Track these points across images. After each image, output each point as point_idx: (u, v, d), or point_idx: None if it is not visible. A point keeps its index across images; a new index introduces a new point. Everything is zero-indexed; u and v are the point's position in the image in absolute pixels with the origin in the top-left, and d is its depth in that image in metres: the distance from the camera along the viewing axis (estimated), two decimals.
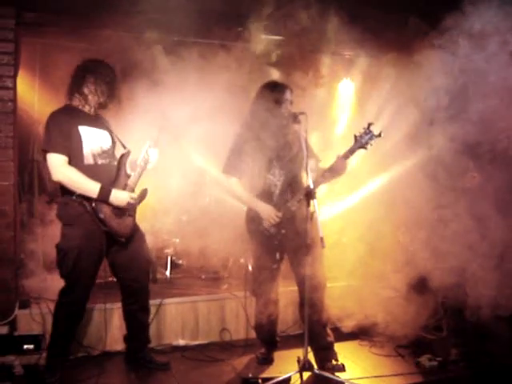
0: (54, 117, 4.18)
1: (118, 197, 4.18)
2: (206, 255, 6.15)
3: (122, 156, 4.35)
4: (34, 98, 6.19)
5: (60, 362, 4.29)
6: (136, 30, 5.10)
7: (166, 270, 6.30)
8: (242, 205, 4.75)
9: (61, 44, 5.67)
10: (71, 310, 4.27)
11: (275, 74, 5.80)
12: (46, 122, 4.17)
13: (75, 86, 4.26)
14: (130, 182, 4.30)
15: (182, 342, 5.15)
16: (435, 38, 4.69)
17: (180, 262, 6.39)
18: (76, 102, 4.28)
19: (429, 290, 4.93)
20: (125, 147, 4.43)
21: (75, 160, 4.14)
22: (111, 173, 4.28)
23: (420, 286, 4.97)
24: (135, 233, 4.43)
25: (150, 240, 6.02)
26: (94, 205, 4.12)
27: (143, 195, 4.40)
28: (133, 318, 4.57)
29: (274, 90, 4.48)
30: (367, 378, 4.48)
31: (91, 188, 4.10)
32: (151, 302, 4.89)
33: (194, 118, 4.71)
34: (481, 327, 4.60)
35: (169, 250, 6.37)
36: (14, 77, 4.90)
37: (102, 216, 4.15)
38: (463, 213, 4.64)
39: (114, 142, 4.40)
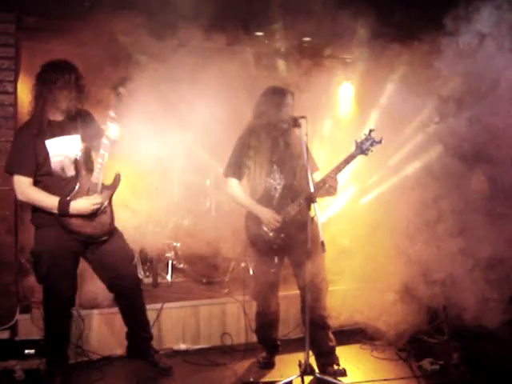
0: (19, 135, 4.15)
1: (79, 207, 4.06)
2: (207, 259, 6.15)
3: (77, 159, 4.17)
4: None
5: (59, 367, 4.29)
6: (136, 34, 5.10)
7: (167, 274, 6.29)
8: (242, 208, 4.74)
9: (61, 49, 5.66)
10: (56, 315, 4.26)
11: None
12: (14, 138, 4.16)
13: (39, 94, 4.10)
14: (93, 177, 4.12)
15: (183, 347, 5.14)
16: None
17: (181, 266, 6.37)
18: (44, 111, 4.11)
19: (429, 294, 4.93)
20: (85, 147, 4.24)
21: (45, 175, 4.09)
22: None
23: (419, 290, 4.97)
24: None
25: (150, 244, 6.10)
26: (61, 221, 4.06)
27: (116, 183, 4.25)
28: (130, 318, 4.53)
29: (275, 95, 4.49)
30: (369, 381, 4.48)
31: (50, 205, 4.03)
32: (152, 306, 4.91)
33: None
34: (482, 331, 4.60)
35: (169, 254, 6.35)
36: (15, 82, 4.92)
37: (72, 228, 4.09)
38: (465, 217, 4.65)
39: (85, 147, 4.22)
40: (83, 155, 4.20)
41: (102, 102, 4.39)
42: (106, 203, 4.20)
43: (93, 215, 4.13)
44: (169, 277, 6.23)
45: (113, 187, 4.26)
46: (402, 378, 4.54)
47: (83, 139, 4.23)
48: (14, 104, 4.90)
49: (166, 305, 5.19)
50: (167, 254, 6.36)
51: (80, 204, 4.07)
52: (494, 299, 4.71)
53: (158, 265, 6.24)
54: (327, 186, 4.37)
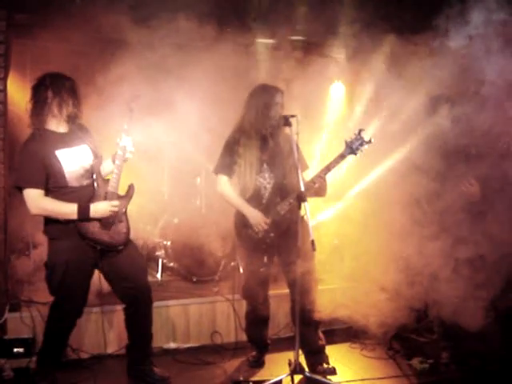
0: (27, 148, 4.07)
1: (98, 209, 4.06)
2: (197, 258, 6.15)
3: (93, 166, 4.19)
4: (25, 101, 6.14)
5: (51, 366, 4.28)
6: (127, 32, 5.09)
7: (157, 272, 6.28)
8: (232, 207, 4.74)
9: (52, 46, 5.65)
10: (62, 325, 4.26)
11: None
12: (19, 153, 4.08)
13: (39, 106, 4.07)
14: (110, 187, 4.16)
15: (173, 345, 5.14)
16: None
17: (171, 264, 6.36)
18: (46, 123, 4.11)
19: (417, 293, 4.94)
20: (96, 156, 4.25)
21: (59, 186, 4.06)
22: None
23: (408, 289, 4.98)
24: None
25: (140, 243, 6.09)
26: (79, 229, 4.06)
27: (130, 193, 4.30)
28: (135, 327, 4.43)
29: (264, 93, 4.49)
30: (358, 380, 4.50)
31: (69, 211, 4.01)
32: None
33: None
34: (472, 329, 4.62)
35: (160, 253, 6.35)
36: (5, 79, 4.88)
37: (90, 236, 4.09)
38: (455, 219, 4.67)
39: (96, 155, 4.25)
40: (97, 164, 4.22)
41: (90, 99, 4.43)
42: (122, 211, 4.22)
43: (110, 223, 4.14)
44: (159, 275, 6.22)
45: (127, 197, 4.29)
46: (392, 377, 4.57)
47: (91, 148, 4.25)
48: (4, 102, 4.87)
49: (156, 303, 5.14)
50: (157, 253, 6.35)
51: (100, 206, 4.08)
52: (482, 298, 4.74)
53: (148, 263, 6.23)
54: (316, 187, 4.37)
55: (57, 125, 4.15)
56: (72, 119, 4.17)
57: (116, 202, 4.14)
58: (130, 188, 4.32)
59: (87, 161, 4.19)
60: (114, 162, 4.18)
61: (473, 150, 4.64)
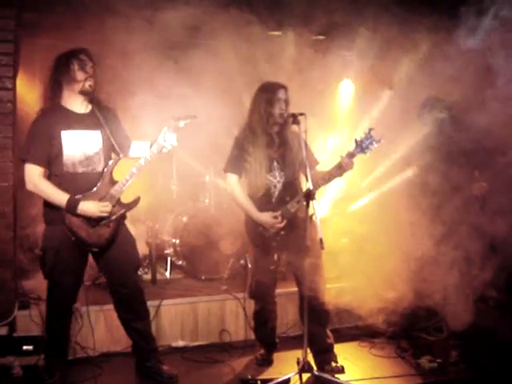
0: (36, 122, 4.07)
1: (86, 209, 4.01)
2: (206, 256, 6.15)
3: (109, 163, 4.16)
4: (34, 99, 6.17)
5: (58, 363, 4.30)
6: (137, 30, 5.10)
7: (166, 270, 6.29)
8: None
9: (61, 45, 5.64)
10: (57, 311, 4.26)
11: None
12: (29, 126, 4.07)
13: (54, 79, 4.07)
14: (114, 190, 4.11)
15: (181, 343, 5.14)
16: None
17: (180, 262, 6.37)
18: (63, 99, 4.10)
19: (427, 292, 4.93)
20: (118, 153, 4.21)
21: (54, 167, 4.05)
22: (92, 180, 4.12)
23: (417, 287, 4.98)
24: (121, 237, 4.25)
25: (150, 241, 6.10)
26: (63, 214, 4.03)
27: (132, 205, 4.22)
28: (129, 328, 4.42)
29: (267, 91, 4.49)
30: (367, 379, 4.48)
31: (59, 200, 4.00)
32: (151, 303, 4.89)
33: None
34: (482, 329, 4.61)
35: (168, 251, 6.36)
36: (14, 78, 4.90)
37: (69, 225, 4.04)
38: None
39: (106, 144, 4.18)
40: (104, 153, 4.16)
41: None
42: (113, 218, 4.13)
43: (95, 223, 4.08)
44: (167, 273, 6.23)
45: (127, 207, 4.22)
46: (401, 376, 4.54)
47: (104, 136, 4.18)
48: (13, 100, 4.89)
49: (165, 301, 5.19)
50: (166, 251, 6.37)
51: (88, 206, 4.02)
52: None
53: (157, 262, 6.24)
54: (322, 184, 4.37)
55: (72, 103, 4.12)
56: (91, 98, 4.13)
57: (107, 208, 4.07)
58: (135, 201, 4.24)
59: (92, 148, 4.12)
60: (150, 146, 4.10)
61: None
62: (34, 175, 4.01)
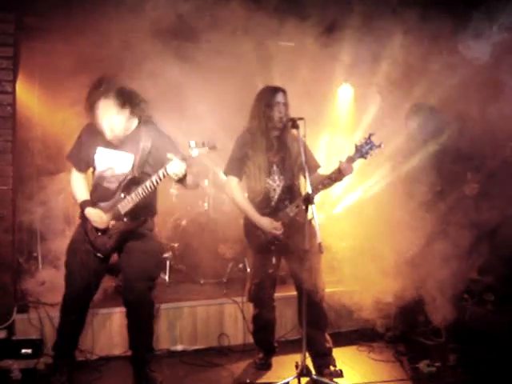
0: (83, 131, 4.31)
1: (90, 214, 4.19)
2: (205, 260, 6.15)
3: (124, 179, 4.17)
4: (33, 103, 6.19)
5: (67, 364, 4.31)
6: (136, 34, 5.12)
7: (165, 274, 6.29)
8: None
9: (60, 48, 5.68)
10: (68, 310, 4.28)
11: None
12: (80, 130, 4.32)
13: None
14: (120, 205, 4.16)
15: (180, 347, 5.14)
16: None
17: (179, 266, 6.37)
18: None
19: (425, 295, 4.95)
20: (150, 174, 4.13)
21: (93, 173, 4.31)
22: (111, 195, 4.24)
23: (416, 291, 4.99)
24: (142, 246, 4.28)
25: None
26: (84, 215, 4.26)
27: (133, 224, 4.22)
28: (129, 328, 4.42)
29: (265, 94, 4.51)
30: (365, 383, 4.48)
31: (78, 199, 4.30)
32: None
33: None
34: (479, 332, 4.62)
35: (167, 255, 6.36)
36: (13, 81, 4.91)
37: (85, 227, 4.26)
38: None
39: (137, 166, 4.18)
40: (132, 177, 4.18)
41: None
42: (111, 232, 4.20)
43: (98, 230, 4.21)
44: (166, 277, 6.23)
45: (127, 225, 4.22)
46: (399, 380, 4.54)
47: (136, 159, 4.20)
48: (13, 104, 4.90)
49: (164, 305, 5.19)
50: (165, 255, 6.36)
51: (92, 212, 4.19)
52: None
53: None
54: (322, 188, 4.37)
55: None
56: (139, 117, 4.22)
57: (102, 219, 4.17)
58: (140, 221, 4.26)
59: (121, 169, 4.21)
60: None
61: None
62: (72, 174, 4.36)
